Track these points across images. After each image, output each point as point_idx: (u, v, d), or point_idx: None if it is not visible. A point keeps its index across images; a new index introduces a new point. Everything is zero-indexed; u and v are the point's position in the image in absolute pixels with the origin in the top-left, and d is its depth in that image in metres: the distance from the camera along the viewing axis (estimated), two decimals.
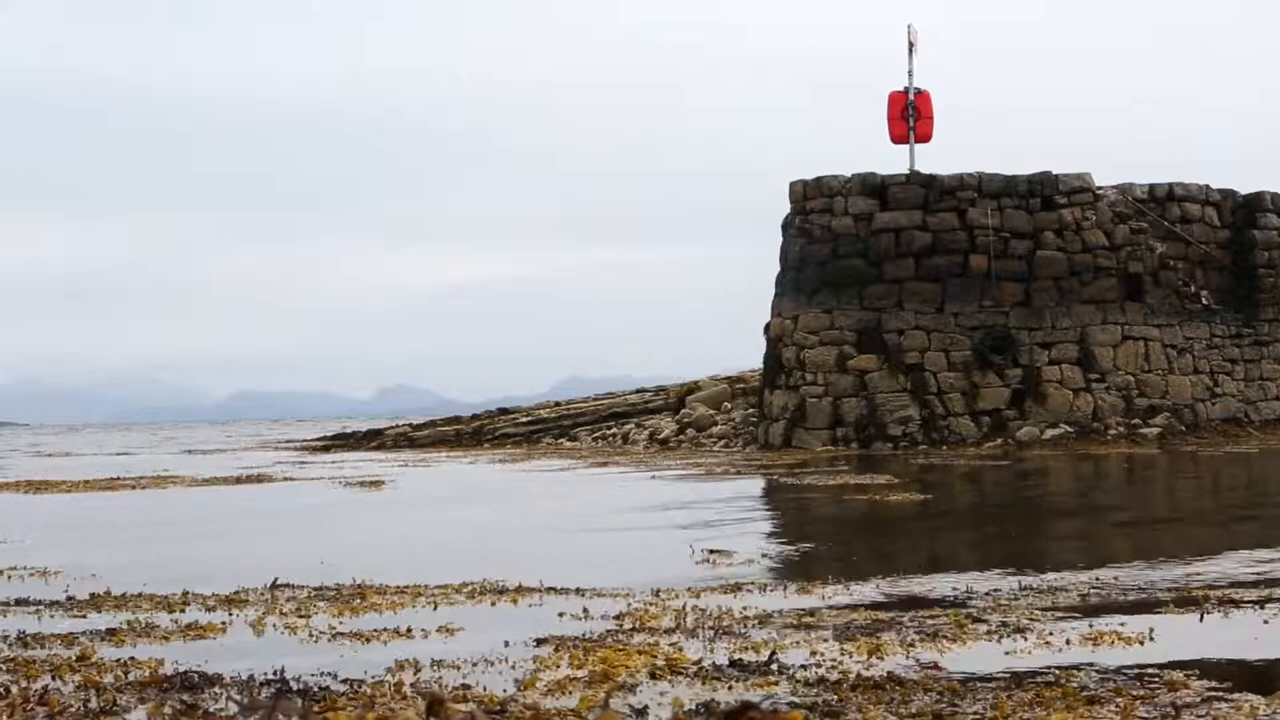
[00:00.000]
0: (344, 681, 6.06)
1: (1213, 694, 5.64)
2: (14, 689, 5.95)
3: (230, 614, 8.27)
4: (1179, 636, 7.02)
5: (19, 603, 8.88)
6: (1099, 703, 5.50)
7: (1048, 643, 6.87)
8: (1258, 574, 9.44)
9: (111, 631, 7.61)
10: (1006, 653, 6.68)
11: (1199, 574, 9.45)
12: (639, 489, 20.04)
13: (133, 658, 6.76)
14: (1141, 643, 6.80)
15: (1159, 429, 30.10)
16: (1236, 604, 8.02)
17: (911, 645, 6.82)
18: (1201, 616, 7.62)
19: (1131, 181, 32.60)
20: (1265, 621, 7.46)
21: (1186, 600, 8.21)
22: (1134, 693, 5.64)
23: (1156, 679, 5.91)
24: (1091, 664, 6.32)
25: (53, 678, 6.23)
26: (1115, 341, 30.90)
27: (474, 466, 28.26)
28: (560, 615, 8.02)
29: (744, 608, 8.14)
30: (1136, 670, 6.12)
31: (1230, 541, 11.85)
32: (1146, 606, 8.02)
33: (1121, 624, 7.31)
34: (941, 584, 9.20)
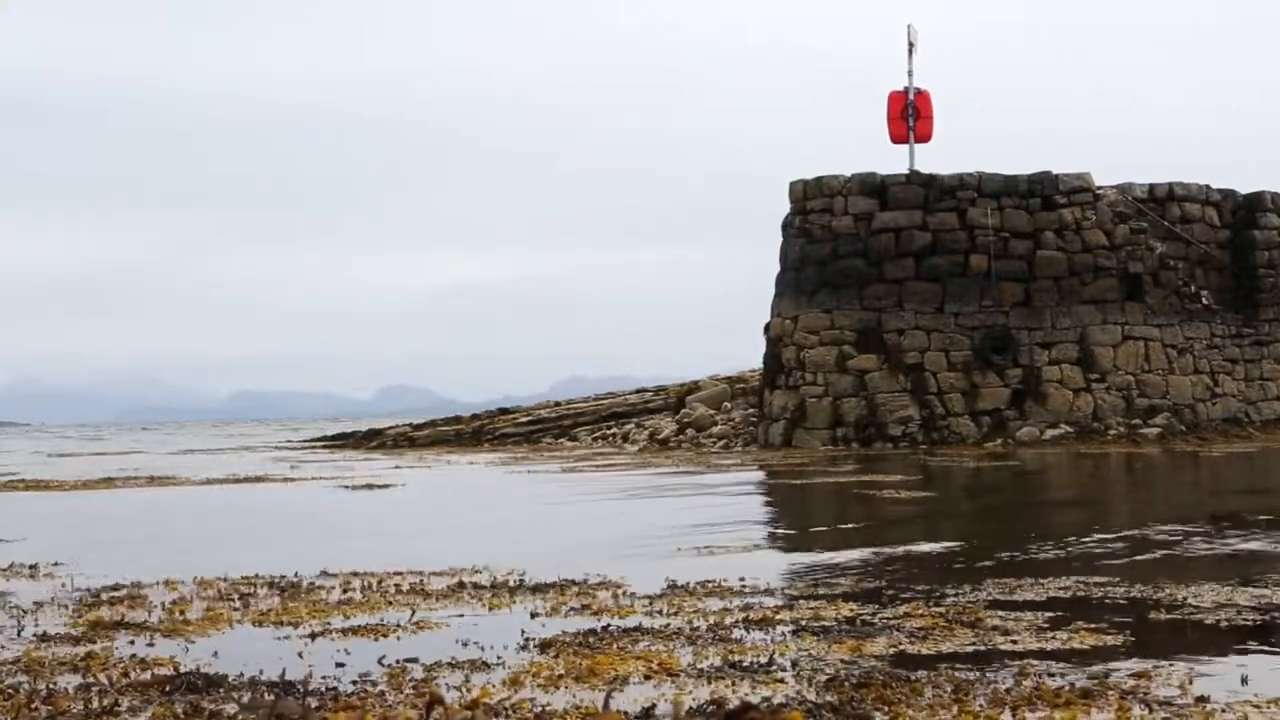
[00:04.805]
0: (349, 680, 6.09)
1: None
2: (20, 689, 5.99)
3: (237, 612, 8.30)
4: None
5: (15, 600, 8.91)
6: (1091, 696, 5.57)
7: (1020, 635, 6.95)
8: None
9: (116, 628, 7.65)
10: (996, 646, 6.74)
11: None
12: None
13: (135, 656, 6.79)
14: None
15: (1159, 429, 30.12)
16: None
17: (902, 642, 6.86)
18: None
19: (1131, 181, 32.62)
20: None
21: None
22: None
23: None
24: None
25: (71, 677, 6.26)
26: (1115, 341, 30.93)
27: (480, 468, 28.24)
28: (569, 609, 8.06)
29: (742, 607, 8.17)
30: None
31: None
32: None
33: None
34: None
